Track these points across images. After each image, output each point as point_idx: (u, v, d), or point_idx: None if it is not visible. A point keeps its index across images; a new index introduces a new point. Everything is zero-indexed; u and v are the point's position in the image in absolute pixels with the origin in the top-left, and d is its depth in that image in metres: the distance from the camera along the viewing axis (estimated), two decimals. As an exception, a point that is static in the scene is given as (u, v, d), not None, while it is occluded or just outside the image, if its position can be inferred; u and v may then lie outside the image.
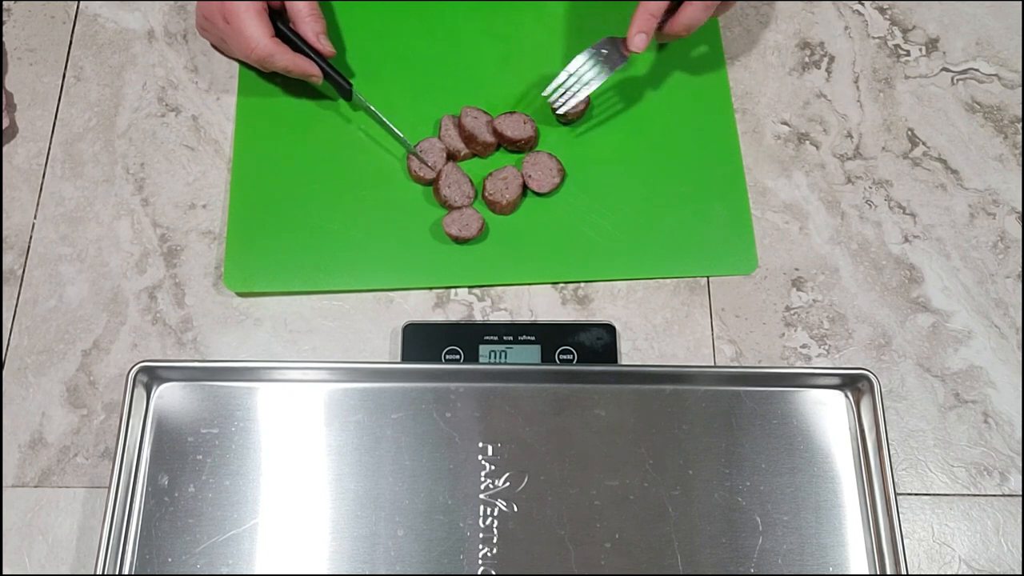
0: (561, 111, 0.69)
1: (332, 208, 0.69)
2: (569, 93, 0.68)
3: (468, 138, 0.70)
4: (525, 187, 0.69)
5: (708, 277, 0.68)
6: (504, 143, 0.70)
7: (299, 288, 0.67)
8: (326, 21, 0.70)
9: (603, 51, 0.68)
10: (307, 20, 0.68)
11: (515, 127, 0.69)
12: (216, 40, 0.72)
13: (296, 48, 0.69)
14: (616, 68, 0.68)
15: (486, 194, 0.68)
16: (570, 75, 0.68)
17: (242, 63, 0.74)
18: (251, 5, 0.66)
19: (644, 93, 0.73)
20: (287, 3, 0.69)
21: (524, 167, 0.69)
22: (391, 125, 0.70)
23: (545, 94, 0.69)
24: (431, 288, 0.68)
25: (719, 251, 0.68)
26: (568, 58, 0.69)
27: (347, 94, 0.70)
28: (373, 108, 0.70)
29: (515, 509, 0.59)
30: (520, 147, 0.70)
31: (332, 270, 0.67)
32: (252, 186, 0.70)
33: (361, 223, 0.69)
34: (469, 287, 0.68)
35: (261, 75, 0.73)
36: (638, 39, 0.65)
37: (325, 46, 0.69)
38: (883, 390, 0.61)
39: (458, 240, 0.67)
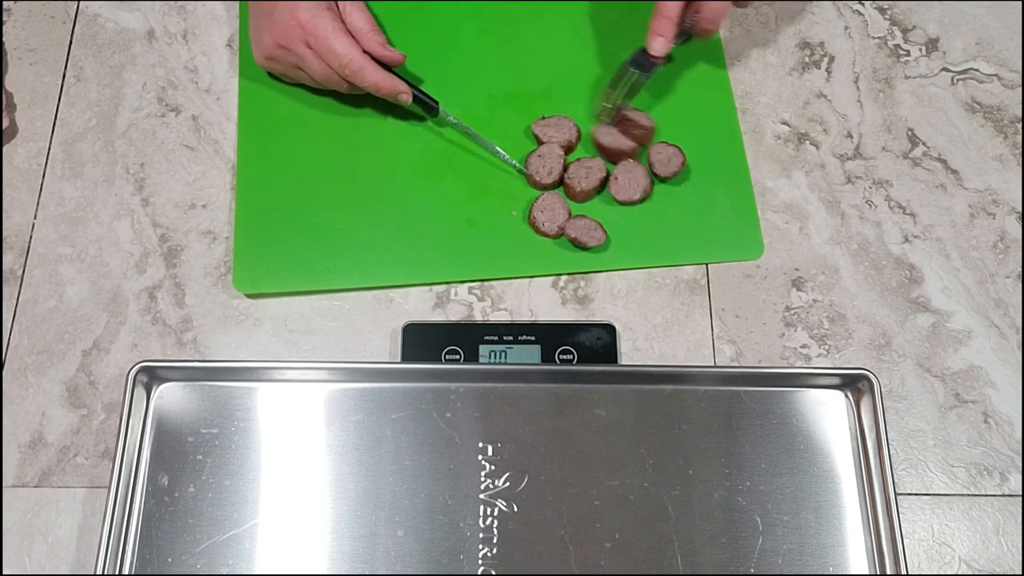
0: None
1: (339, 207, 0.69)
2: (615, 108, 0.70)
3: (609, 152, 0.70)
4: (604, 185, 0.70)
5: (714, 266, 0.68)
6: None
7: (308, 288, 0.67)
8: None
9: (638, 61, 0.69)
10: (368, 34, 0.67)
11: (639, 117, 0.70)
12: (288, 68, 0.69)
13: None
14: (651, 74, 0.69)
15: (566, 177, 0.69)
16: (615, 89, 0.69)
17: (310, 89, 0.72)
18: (336, 25, 0.66)
19: (647, 89, 0.73)
20: (346, 22, 0.68)
21: (616, 168, 0.69)
22: (486, 140, 0.69)
23: (598, 112, 0.71)
24: (442, 283, 0.68)
25: (725, 238, 0.69)
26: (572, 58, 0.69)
27: (433, 112, 0.70)
28: (464, 124, 0.69)
29: (515, 509, 0.59)
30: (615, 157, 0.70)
31: (340, 269, 0.67)
32: (258, 187, 0.70)
33: (368, 221, 0.69)
34: (478, 281, 0.68)
35: (274, 78, 0.72)
36: (656, 43, 0.67)
37: (393, 54, 0.68)
38: (883, 390, 0.61)
39: (577, 244, 0.67)
